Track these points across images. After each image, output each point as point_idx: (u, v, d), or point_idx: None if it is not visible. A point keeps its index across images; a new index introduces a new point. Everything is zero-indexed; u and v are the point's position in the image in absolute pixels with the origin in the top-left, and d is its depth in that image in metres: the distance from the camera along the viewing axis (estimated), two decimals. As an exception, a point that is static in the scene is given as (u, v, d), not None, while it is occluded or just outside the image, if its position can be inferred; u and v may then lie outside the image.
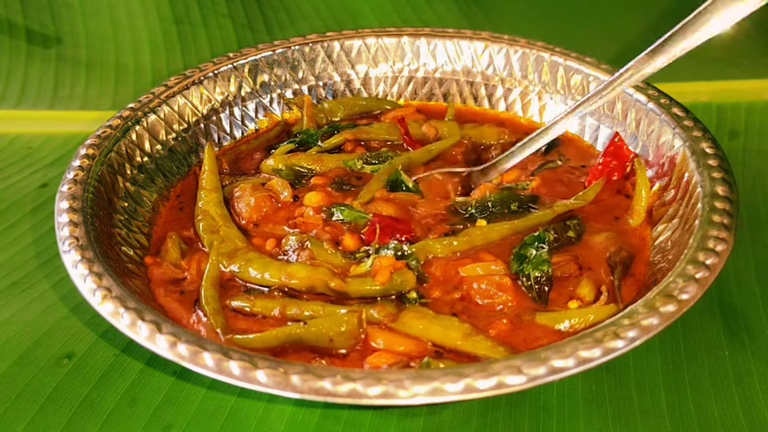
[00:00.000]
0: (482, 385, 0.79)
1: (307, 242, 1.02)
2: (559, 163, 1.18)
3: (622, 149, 1.13)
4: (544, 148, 1.19)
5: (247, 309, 0.97)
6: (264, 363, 0.81)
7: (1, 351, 1.01)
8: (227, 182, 1.16)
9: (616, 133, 1.15)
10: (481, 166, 1.16)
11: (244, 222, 1.09)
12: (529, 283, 0.98)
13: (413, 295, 0.97)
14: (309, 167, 1.17)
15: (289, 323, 0.95)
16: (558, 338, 0.90)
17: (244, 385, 0.81)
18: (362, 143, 1.23)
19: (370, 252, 1.01)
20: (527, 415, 0.92)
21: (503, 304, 0.97)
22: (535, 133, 1.13)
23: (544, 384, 0.79)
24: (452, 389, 0.79)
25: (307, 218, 1.07)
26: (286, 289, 0.99)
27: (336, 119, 1.29)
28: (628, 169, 1.13)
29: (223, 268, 1.02)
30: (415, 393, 0.79)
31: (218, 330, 0.94)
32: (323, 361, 0.91)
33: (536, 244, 1.01)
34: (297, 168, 1.17)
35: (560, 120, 1.11)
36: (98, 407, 0.94)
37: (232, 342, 0.92)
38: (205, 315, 0.96)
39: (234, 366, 0.81)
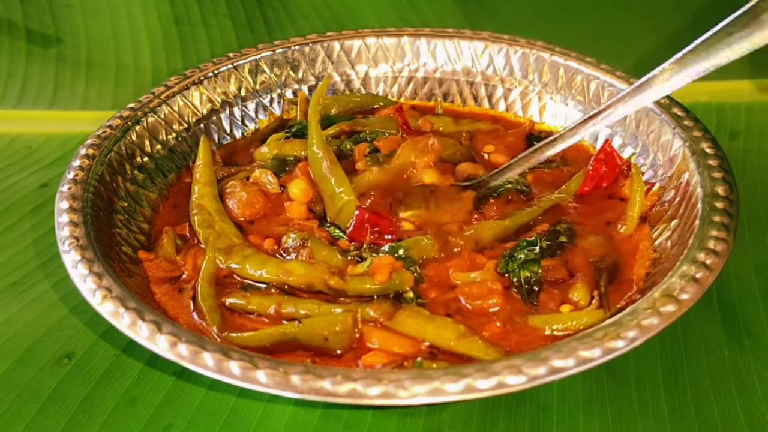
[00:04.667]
0: (482, 385, 0.79)
1: (308, 240, 1.03)
2: (553, 165, 1.16)
3: (612, 156, 1.12)
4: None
5: (243, 306, 0.97)
6: (264, 363, 0.81)
7: (1, 351, 1.01)
8: (220, 174, 1.16)
9: (608, 140, 1.15)
10: (490, 174, 1.12)
11: (238, 218, 1.09)
12: (518, 282, 0.98)
13: (410, 294, 0.97)
14: (300, 154, 1.16)
15: (284, 322, 0.95)
16: (550, 341, 0.90)
17: (244, 385, 0.81)
18: (358, 134, 1.22)
19: (363, 252, 1.01)
20: (527, 415, 0.92)
21: (493, 308, 0.96)
22: (548, 140, 1.09)
23: (544, 384, 0.79)
24: (452, 389, 0.79)
25: (301, 223, 1.07)
26: (285, 287, 0.99)
27: (330, 114, 1.29)
28: (624, 177, 1.12)
29: (220, 264, 1.02)
30: (415, 393, 0.79)
31: (214, 328, 0.94)
32: (317, 360, 0.91)
33: (528, 247, 1.01)
34: (283, 156, 1.17)
35: (576, 128, 1.07)
36: (98, 407, 0.94)
37: (227, 340, 0.92)
38: (200, 313, 0.96)
39: (234, 366, 0.81)
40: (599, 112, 1.06)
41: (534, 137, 1.21)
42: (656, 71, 0.99)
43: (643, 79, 1.01)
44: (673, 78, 0.97)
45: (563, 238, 1.03)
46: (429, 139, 1.13)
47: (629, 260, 1.02)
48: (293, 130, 1.23)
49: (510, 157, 1.16)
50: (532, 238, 1.02)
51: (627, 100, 1.03)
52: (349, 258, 1.01)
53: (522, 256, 1.00)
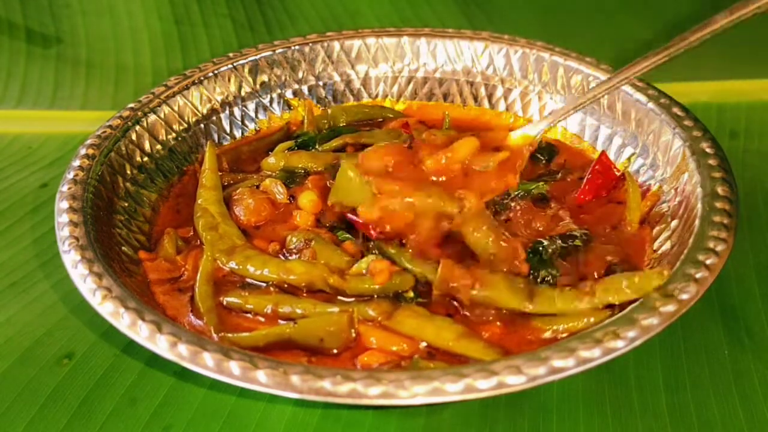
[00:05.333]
0: (482, 385, 0.79)
1: (313, 240, 1.02)
2: (558, 176, 1.16)
3: (609, 168, 1.12)
4: (546, 159, 1.19)
5: (240, 305, 0.97)
6: (264, 363, 0.81)
7: (1, 351, 1.01)
8: (227, 180, 1.16)
9: (603, 152, 1.15)
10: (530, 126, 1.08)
11: (243, 225, 1.09)
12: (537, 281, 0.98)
13: (410, 294, 0.97)
14: (307, 166, 1.17)
15: (281, 322, 0.95)
16: (551, 343, 0.89)
17: (244, 385, 0.81)
18: (362, 148, 1.22)
19: (370, 250, 1.01)
20: (527, 415, 0.92)
21: (492, 315, 0.96)
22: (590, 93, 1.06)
23: (544, 384, 0.80)
24: (452, 389, 0.79)
25: (309, 229, 1.07)
26: (285, 286, 0.99)
27: (339, 125, 1.29)
28: (623, 180, 1.12)
29: (221, 265, 1.02)
30: (415, 393, 0.79)
31: (211, 328, 0.94)
32: (313, 360, 0.91)
33: (544, 247, 1.00)
34: (292, 168, 1.17)
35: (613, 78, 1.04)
36: (98, 407, 0.94)
37: (225, 340, 0.92)
38: (198, 313, 0.96)
39: (234, 366, 0.81)
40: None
41: (535, 150, 1.21)
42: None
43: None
44: None
45: (578, 242, 1.02)
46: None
47: (641, 263, 1.01)
48: (299, 140, 1.23)
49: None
50: (546, 240, 1.01)
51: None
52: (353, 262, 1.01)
53: (546, 245, 0.99)
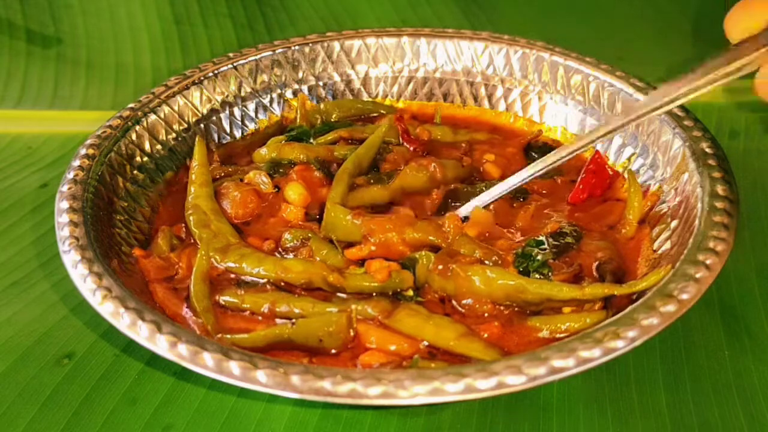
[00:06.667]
0: (482, 385, 0.79)
1: (310, 236, 1.02)
2: (551, 175, 1.15)
3: (603, 167, 1.12)
4: (539, 157, 1.19)
5: (236, 305, 0.97)
6: (264, 363, 0.81)
7: (1, 351, 1.01)
8: (219, 174, 1.16)
9: (597, 151, 1.15)
10: (488, 198, 1.09)
11: (234, 219, 1.09)
12: None
13: (410, 293, 0.97)
14: (299, 158, 1.16)
15: (278, 321, 0.95)
16: (550, 342, 0.90)
17: (244, 385, 0.81)
18: (356, 142, 1.22)
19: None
20: (527, 415, 0.92)
21: (488, 312, 0.96)
22: (552, 156, 1.06)
23: (544, 384, 0.79)
24: (452, 389, 0.79)
25: (302, 224, 1.07)
26: (282, 284, 0.99)
27: (331, 120, 1.29)
28: (622, 179, 1.12)
29: (216, 264, 1.02)
30: (415, 393, 0.79)
31: (209, 328, 0.94)
32: (314, 360, 0.91)
33: (538, 247, 1.00)
34: (279, 159, 1.17)
35: (583, 144, 1.05)
36: (98, 407, 0.94)
37: (223, 341, 0.92)
38: (195, 312, 0.96)
39: (234, 366, 0.81)
40: (611, 130, 1.04)
41: (531, 148, 1.21)
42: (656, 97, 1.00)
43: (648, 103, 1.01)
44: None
45: (569, 239, 1.03)
46: (430, 165, 1.12)
47: (634, 263, 1.01)
48: (293, 133, 1.23)
49: (503, 170, 1.16)
50: (540, 238, 1.01)
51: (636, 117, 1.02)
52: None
53: (534, 254, 0.99)
